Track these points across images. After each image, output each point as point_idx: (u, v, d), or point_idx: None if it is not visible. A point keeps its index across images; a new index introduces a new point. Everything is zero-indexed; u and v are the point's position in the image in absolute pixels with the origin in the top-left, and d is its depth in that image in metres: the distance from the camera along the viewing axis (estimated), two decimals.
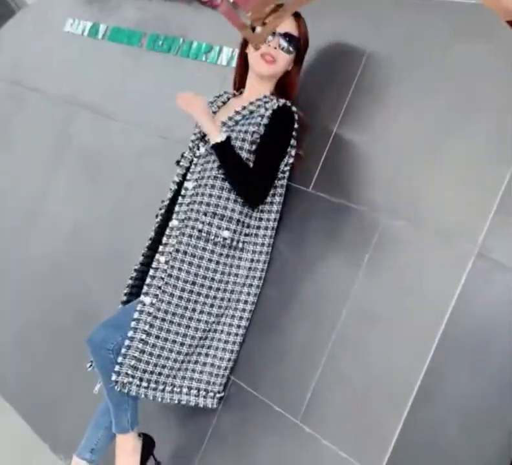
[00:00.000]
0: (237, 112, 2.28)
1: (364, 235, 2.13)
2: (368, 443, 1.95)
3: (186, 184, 2.29)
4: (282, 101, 2.25)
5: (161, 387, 2.23)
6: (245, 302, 2.29)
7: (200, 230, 2.22)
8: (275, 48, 2.23)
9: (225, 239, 2.23)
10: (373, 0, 2.34)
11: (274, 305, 2.31)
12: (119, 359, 2.19)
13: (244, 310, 2.30)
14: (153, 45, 3.27)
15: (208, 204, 2.23)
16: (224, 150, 2.19)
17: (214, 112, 2.37)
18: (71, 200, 3.52)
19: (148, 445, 2.37)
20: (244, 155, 2.20)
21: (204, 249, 2.22)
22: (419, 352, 1.89)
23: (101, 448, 2.37)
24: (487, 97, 1.95)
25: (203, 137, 2.31)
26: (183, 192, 2.29)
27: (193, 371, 2.26)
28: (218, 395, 2.31)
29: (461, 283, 1.87)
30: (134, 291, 2.45)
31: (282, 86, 2.33)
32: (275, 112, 2.22)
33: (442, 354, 1.88)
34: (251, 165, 2.21)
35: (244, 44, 2.34)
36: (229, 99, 2.42)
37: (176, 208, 2.28)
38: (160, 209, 2.42)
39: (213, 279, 2.23)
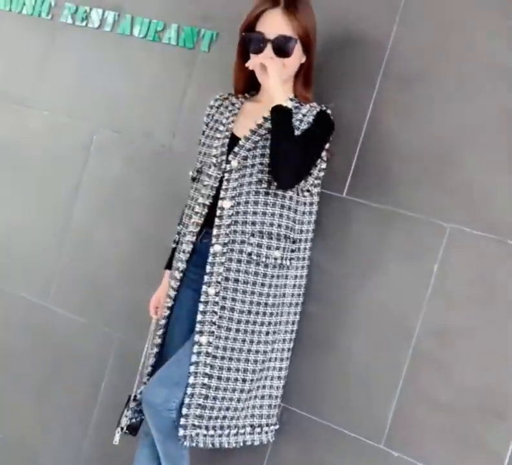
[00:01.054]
0: (266, 119, 2.02)
1: (428, 243, 2.01)
2: (476, 461, 1.90)
3: (221, 203, 2.00)
4: (315, 105, 2.05)
5: (226, 431, 2.01)
6: (293, 323, 2.12)
7: (249, 254, 1.99)
8: (271, 58, 1.99)
9: (276, 259, 2.01)
10: None
11: (323, 323, 2.14)
12: (184, 411, 1.93)
13: (292, 331, 2.12)
14: (72, 19, 2.78)
15: (253, 223, 1.99)
16: (284, 116, 1.94)
17: (233, 122, 2.08)
18: None
19: None
20: None
21: (256, 274, 1.99)
22: None
23: None
24: None
25: (231, 151, 2.02)
26: (218, 212, 2.00)
27: (253, 407, 2.07)
28: (276, 427, 2.14)
29: None
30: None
31: (301, 82, 2.08)
32: (317, 115, 2.03)
33: None
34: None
35: (242, 43, 2.04)
36: (242, 102, 2.13)
37: (214, 231, 2.00)
38: (183, 235, 2.13)
39: (266, 304, 2.02)
